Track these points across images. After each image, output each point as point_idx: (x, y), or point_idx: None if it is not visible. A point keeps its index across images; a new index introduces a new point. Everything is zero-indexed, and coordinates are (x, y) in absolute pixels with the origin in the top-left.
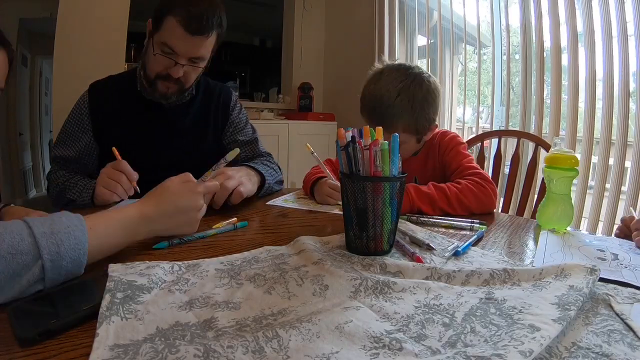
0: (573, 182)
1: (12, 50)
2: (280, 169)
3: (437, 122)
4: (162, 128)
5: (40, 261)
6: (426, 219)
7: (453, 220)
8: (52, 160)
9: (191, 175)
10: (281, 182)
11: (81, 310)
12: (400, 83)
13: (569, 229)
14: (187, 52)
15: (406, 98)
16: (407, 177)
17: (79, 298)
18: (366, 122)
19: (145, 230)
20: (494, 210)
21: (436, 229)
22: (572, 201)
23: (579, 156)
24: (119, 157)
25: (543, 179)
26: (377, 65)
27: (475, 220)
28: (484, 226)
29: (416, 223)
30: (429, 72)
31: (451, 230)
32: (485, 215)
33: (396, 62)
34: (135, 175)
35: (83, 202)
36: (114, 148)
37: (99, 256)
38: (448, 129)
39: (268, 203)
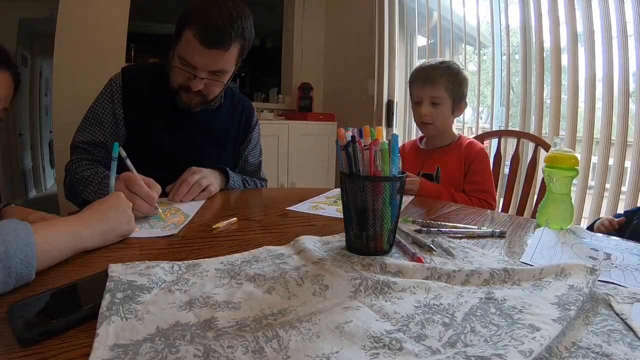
0: (573, 182)
1: (19, 73)
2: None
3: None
4: (187, 127)
5: None
6: (447, 230)
7: (474, 229)
8: (73, 147)
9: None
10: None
11: (81, 310)
12: (446, 63)
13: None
14: (205, 66)
15: (448, 66)
16: (432, 166)
17: (79, 298)
18: (414, 86)
19: (88, 234)
20: (494, 210)
21: (457, 239)
22: (572, 201)
23: (579, 156)
24: (132, 168)
25: (543, 178)
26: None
27: (496, 230)
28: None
29: (436, 234)
30: None
31: (473, 240)
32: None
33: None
34: (154, 196)
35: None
36: (116, 146)
37: (47, 261)
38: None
39: (289, 208)
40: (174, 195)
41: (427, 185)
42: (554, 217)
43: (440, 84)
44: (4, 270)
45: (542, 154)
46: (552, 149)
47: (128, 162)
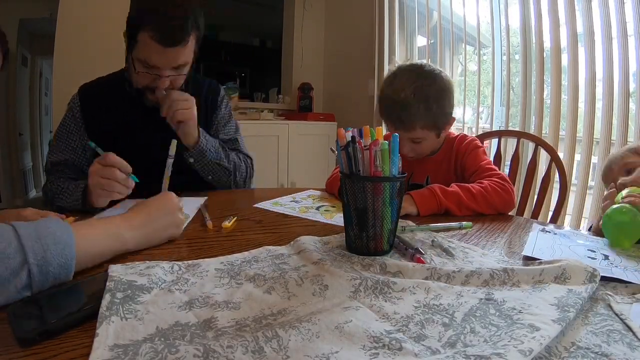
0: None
1: (6, 41)
2: (247, 170)
3: (454, 115)
4: (153, 125)
5: (27, 266)
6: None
7: (440, 225)
8: (47, 170)
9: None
10: (229, 172)
11: (81, 310)
12: (414, 83)
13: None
14: (167, 64)
15: (422, 97)
16: (421, 176)
17: (79, 298)
18: (386, 124)
19: (131, 235)
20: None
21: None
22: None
23: (579, 156)
24: (101, 151)
25: (543, 178)
26: (390, 67)
27: (462, 222)
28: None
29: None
30: (440, 68)
31: (442, 233)
32: (504, 215)
33: (408, 63)
34: (128, 167)
35: (73, 206)
36: (91, 142)
37: (87, 263)
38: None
39: (256, 205)
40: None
41: (422, 195)
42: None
43: (417, 126)
44: (41, 275)
45: (542, 154)
46: None
47: (99, 149)
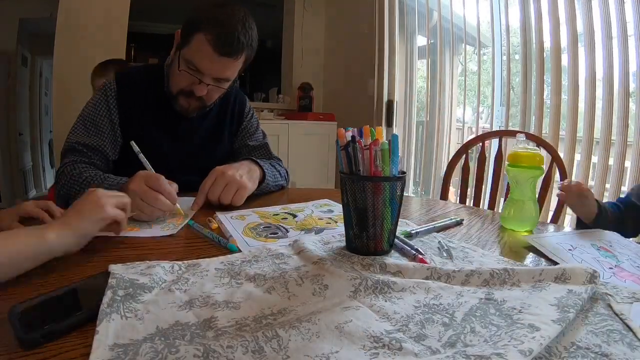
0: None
1: None
2: (288, 175)
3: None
4: (183, 127)
5: None
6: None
7: (437, 224)
8: (68, 149)
9: None
10: (282, 187)
11: (83, 310)
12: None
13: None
14: (213, 73)
15: None
16: None
17: (81, 299)
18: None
19: (55, 234)
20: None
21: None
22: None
23: (579, 156)
24: (149, 167)
25: (545, 178)
26: None
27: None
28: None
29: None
30: None
31: (442, 233)
32: None
33: None
34: (175, 197)
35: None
36: (132, 142)
37: (8, 272)
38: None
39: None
40: (211, 194)
41: None
42: (516, 219)
43: None
44: None
45: (543, 153)
46: (516, 146)
47: (142, 156)
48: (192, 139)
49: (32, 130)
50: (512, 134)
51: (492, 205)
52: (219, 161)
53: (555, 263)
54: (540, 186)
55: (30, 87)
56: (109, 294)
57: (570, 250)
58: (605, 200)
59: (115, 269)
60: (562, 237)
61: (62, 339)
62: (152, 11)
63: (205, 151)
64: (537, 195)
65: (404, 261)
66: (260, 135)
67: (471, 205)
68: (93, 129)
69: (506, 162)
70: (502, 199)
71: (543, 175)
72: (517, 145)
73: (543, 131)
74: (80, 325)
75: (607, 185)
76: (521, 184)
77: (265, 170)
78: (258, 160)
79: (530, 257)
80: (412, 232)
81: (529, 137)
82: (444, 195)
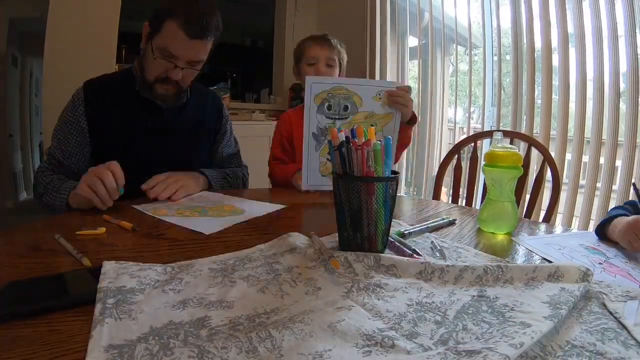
0: (564, 181)
1: None
2: (244, 179)
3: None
4: (158, 128)
5: None
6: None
7: (430, 224)
8: (48, 155)
9: None
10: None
11: (71, 295)
12: None
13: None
14: (187, 56)
15: None
16: None
17: (69, 285)
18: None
19: None
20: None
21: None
22: (563, 199)
23: (569, 155)
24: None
25: (536, 178)
26: None
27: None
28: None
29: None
30: None
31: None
32: None
33: None
34: (122, 180)
35: (58, 206)
36: (121, 190)
37: None
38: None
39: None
40: (151, 192)
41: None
42: (493, 221)
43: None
44: None
45: (534, 153)
46: (493, 146)
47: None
48: (169, 133)
49: (23, 132)
50: (505, 134)
51: None
52: (198, 156)
53: (549, 261)
54: (532, 186)
55: (20, 88)
56: (98, 306)
57: (560, 249)
58: (611, 203)
59: (107, 269)
60: (551, 239)
61: (55, 343)
62: (143, 11)
63: (184, 146)
64: (514, 196)
65: (398, 256)
66: (233, 142)
67: (463, 205)
68: (62, 148)
69: (482, 162)
70: None
71: (520, 175)
72: (495, 145)
73: (534, 131)
74: (67, 307)
75: (598, 184)
76: (499, 185)
77: (211, 180)
78: (204, 171)
79: (523, 257)
80: (405, 232)
81: (521, 137)
82: (436, 196)
